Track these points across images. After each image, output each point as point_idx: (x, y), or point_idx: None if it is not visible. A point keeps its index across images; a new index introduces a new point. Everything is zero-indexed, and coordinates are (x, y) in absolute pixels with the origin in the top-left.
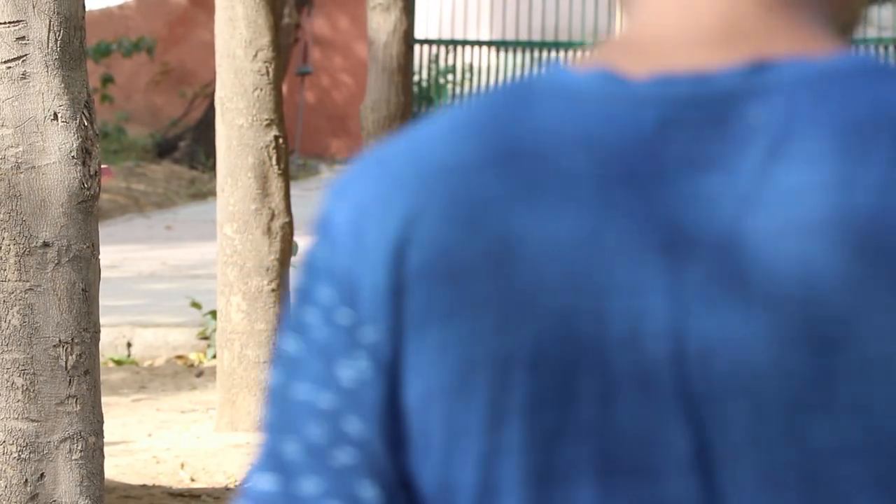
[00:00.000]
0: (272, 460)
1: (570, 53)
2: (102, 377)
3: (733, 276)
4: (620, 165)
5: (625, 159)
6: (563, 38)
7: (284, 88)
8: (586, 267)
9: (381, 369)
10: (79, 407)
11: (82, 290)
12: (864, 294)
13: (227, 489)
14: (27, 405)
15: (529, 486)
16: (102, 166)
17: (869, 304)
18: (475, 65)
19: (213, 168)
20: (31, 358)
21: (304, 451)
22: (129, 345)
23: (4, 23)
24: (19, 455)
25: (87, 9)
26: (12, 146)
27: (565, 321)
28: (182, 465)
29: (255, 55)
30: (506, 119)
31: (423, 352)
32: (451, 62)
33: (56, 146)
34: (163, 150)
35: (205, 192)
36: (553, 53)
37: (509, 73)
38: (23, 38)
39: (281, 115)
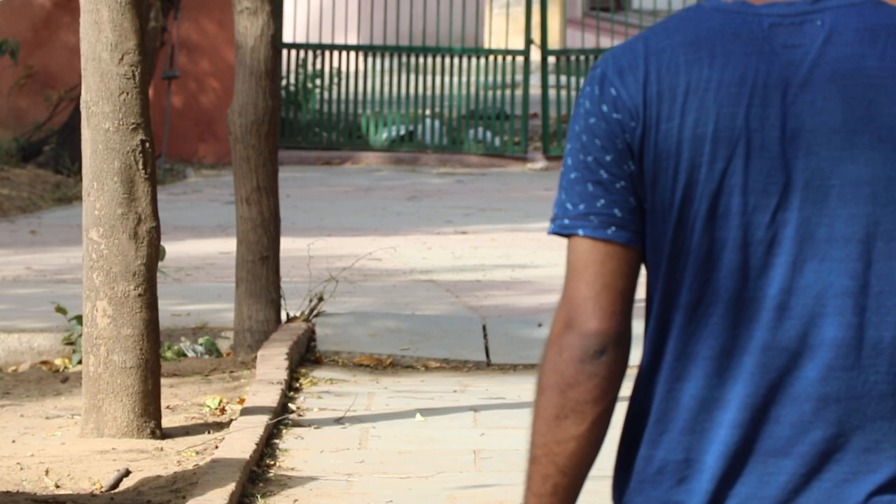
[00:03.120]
0: (581, 195)
1: (437, 58)
2: None
3: (807, 97)
4: (752, 45)
5: (754, 43)
6: (430, 43)
7: (151, 92)
8: (740, 93)
9: (637, 140)
10: None
11: None
12: (873, 91)
13: (92, 495)
14: None
15: (710, 199)
16: None
17: (882, 92)
18: (343, 69)
19: (78, 172)
20: None
21: (597, 186)
22: None
23: None
24: None
25: None
26: None
27: (730, 119)
28: (47, 472)
29: (121, 59)
30: (691, 24)
31: (658, 135)
32: (318, 66)
33: None
34: (27, 154)
35: (70, 197)
36: (420, 58)
37: (377, 78)
38: None
39: (147, 119)
